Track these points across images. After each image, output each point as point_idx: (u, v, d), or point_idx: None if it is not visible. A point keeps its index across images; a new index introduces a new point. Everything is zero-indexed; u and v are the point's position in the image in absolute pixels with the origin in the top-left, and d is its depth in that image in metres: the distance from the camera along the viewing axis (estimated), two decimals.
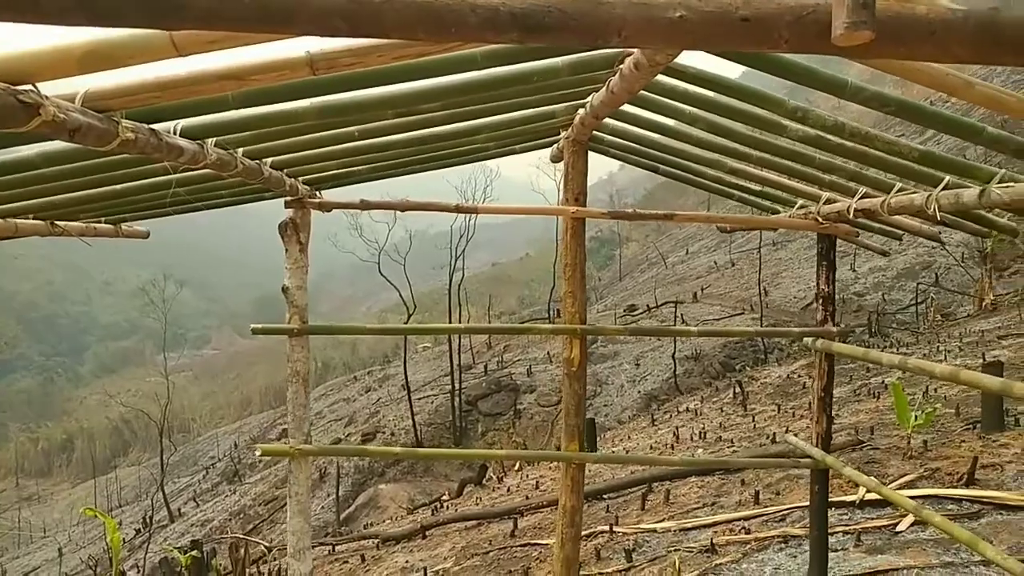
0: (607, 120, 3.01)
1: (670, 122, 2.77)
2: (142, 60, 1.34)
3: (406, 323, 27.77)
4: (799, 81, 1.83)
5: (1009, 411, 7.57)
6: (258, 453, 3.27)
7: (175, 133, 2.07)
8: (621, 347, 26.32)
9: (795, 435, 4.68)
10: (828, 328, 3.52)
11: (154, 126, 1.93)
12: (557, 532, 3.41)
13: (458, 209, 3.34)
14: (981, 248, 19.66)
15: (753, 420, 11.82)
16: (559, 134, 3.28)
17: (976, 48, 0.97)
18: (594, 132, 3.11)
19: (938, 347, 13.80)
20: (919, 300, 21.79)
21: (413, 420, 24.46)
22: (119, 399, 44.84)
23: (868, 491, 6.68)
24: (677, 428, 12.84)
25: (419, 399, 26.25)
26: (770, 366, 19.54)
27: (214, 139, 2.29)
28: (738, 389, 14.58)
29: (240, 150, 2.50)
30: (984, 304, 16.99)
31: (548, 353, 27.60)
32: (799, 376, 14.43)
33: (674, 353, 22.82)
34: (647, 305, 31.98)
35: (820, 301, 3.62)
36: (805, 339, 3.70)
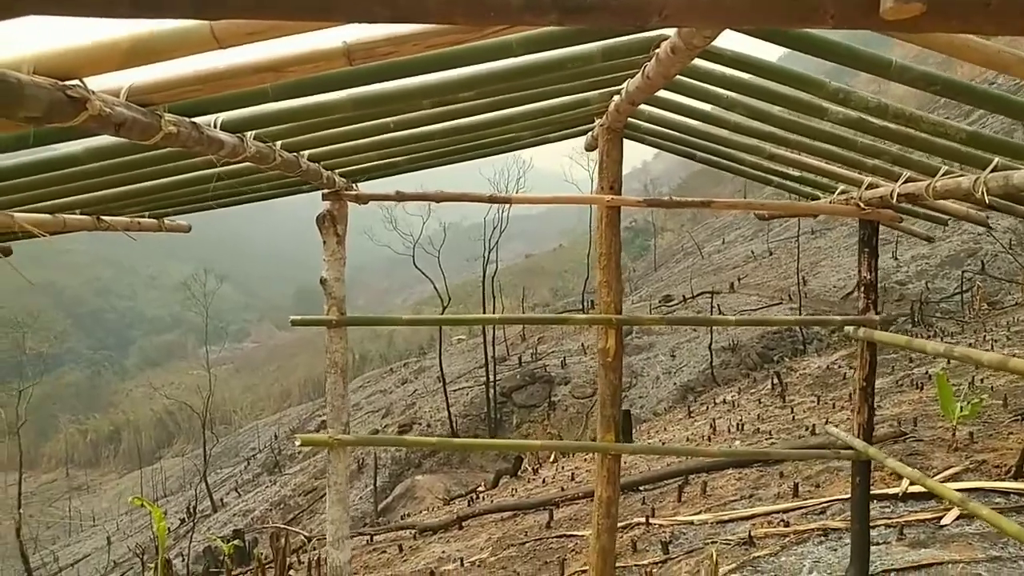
0: (642, 107, 2.98)
1: (707, 107, 2.73)
2: (184, 53, 1.37)
3: (441, 315, 27.98)
4: (841, 62, 1.78)
5: None
6: (298, 443, 3.33)
7: (215, 126, 2.11)
8: (656, 338, 26.12)
9: (836, 427, 4.59)
10: (870, 316, 3.44)
11: (195, 120, 1.97)
12: (593, 523, 3.40)
13: (492, 199, 3.34)
14: None
15: (792, 412, 11.64)
16: (593, 122, 3.26)
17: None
18: (629, 119, 3.08)
19: (984, 336, 13.42)
20: (964, 288, 21.20)
21: (449, 412, 24.66)
22: (163, 392, 45.99)
23: (911, 484, 6.55)
24: (714, 420, 12.72)
25: (454, 391, 26.42)
26: (809, 357, 19.23)
27: (253, 132, 2.32)
28: (776, 380, 14.37)
29: (279, 143, 2.53)
30: None
31: (582, 345, 27.55)
32: (839, 367, 14.17)
33: (710, 344, 22.58)
34: (683, 296, 31.65)
35: (862, 289, 3.53)
36: (846, 328, 3.62)
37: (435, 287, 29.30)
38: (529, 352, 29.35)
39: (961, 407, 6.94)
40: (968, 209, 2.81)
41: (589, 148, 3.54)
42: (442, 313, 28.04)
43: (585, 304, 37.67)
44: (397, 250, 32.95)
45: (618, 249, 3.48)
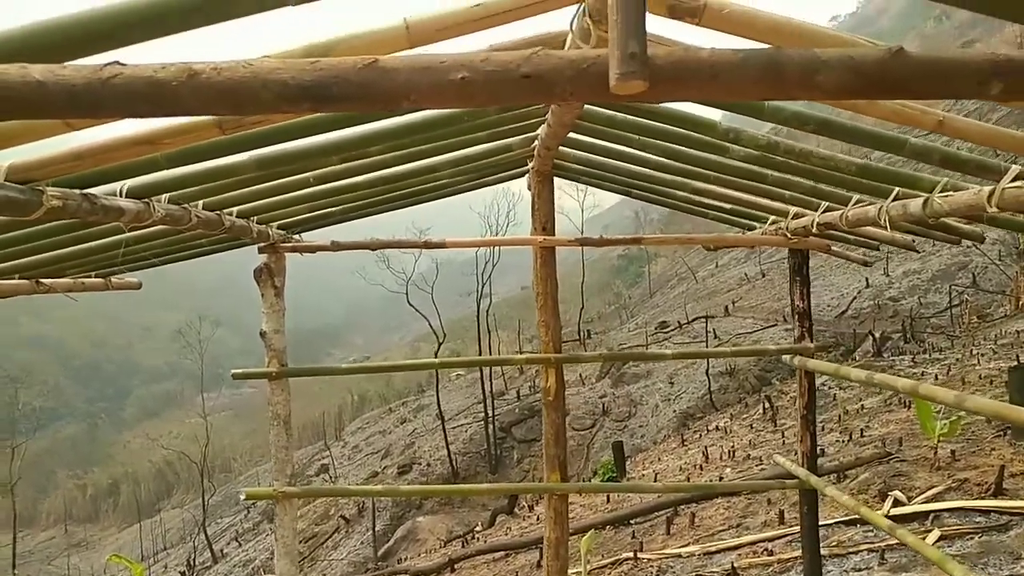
0: (569, 148, 3.02)
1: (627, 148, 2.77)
2: (36, 139, 1.41)
3: (436, 352, 27.91)
4: (717, 106, 1.83)
5: None
6: (243, 497, 3.31)
7: (122, 194, 2.14)
8: (654, 365, 26.01)
9: (785, 454, 4.57)
10: (805, 345, 3.45)
11: (95, 189, 2.00)
12: (544, 565, 3.37)
13: (426, 245, 3.38)
14: (1017, 245, 19.07)
15: (783, 436, 11.57)
16: (527, 164, 3.31)
17: (758, 86, 0.97)
18: (558, 160, 3.13)
19: (972, 350, 13.39)
20: (954, 303, 21.18)
21: (448, 450, 24.44)
22: (161, 442, 45.62)
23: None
24: (707, 448, 12.63)
25: (453, 428, 26.24)
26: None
27: (167, 195, 2.36)
28: (767, 404, 14.29)
29: (200, 203, 2.57)
30: (1021, 303, 16.47)
31: (580, 375, 27.43)
32: (828, 388, 14.10)
33: (707, 369, 22.49)
34: (678, 321, 31.61)
35: (796, 317, 3.55)
36: (783, 357, 3.64)
37: (430, 324, 29.26)
38: (527, 385, 29.23)
39: (941, 425, 6.90)
40: (893, 234, 2.85)
41: (530, 188, 3.59)
42: (437, 351, 27.99)
43: (581, 334, 37.60)
44: (391, 288, 33.00)
45: (554, 289, 3.50)
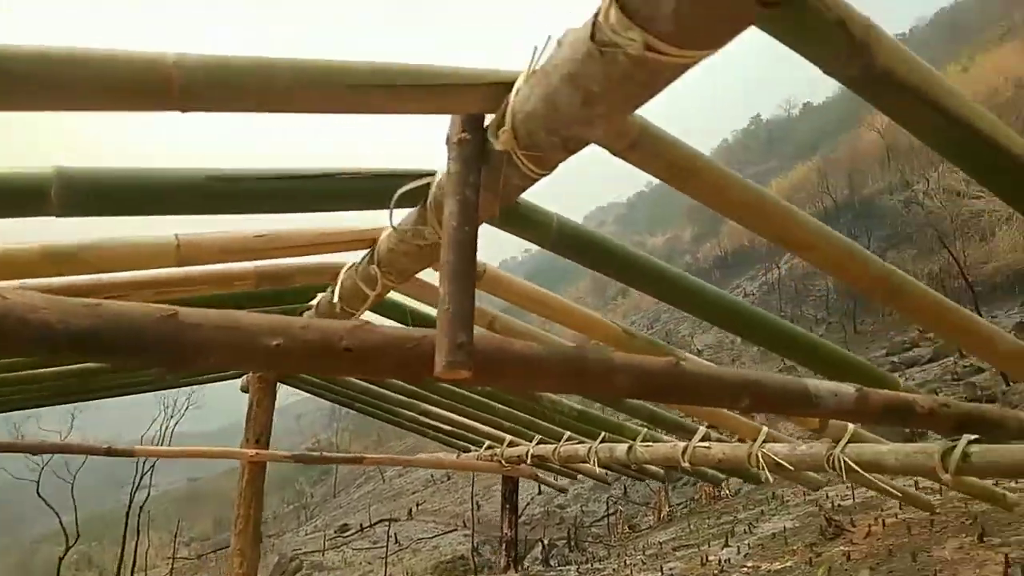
0: None
1: None
2: None
3: (63, 555, 22.74)
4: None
5: None
6: None
7: None
8: (329, 573, 24.07)
9: None
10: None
11: None
12: None
13: (109, 452, 2.87)
14: None
15: None
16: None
17: (563, 380, 1.09)
18: None
19: (626, 560, 14.74)
20: (610, 512, 23.51)
21: None
22: None
23: None
24: None
25: None
26: None
27: None
28: None
29: None
30: (662, 515, 18.86)
31: None
32: None
33: None
34: (360, 524, 30.24)
35: (504, 546, 3.66)
36: None
37: (60, 521, 24.06)
38: None
39: None
40: (592, 467, 3.17)
41: (244, 390, 3.32)
42: (64, 554, 22.92)
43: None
44: (16, 475, 26.88)
45: (258, 510, 3.17)
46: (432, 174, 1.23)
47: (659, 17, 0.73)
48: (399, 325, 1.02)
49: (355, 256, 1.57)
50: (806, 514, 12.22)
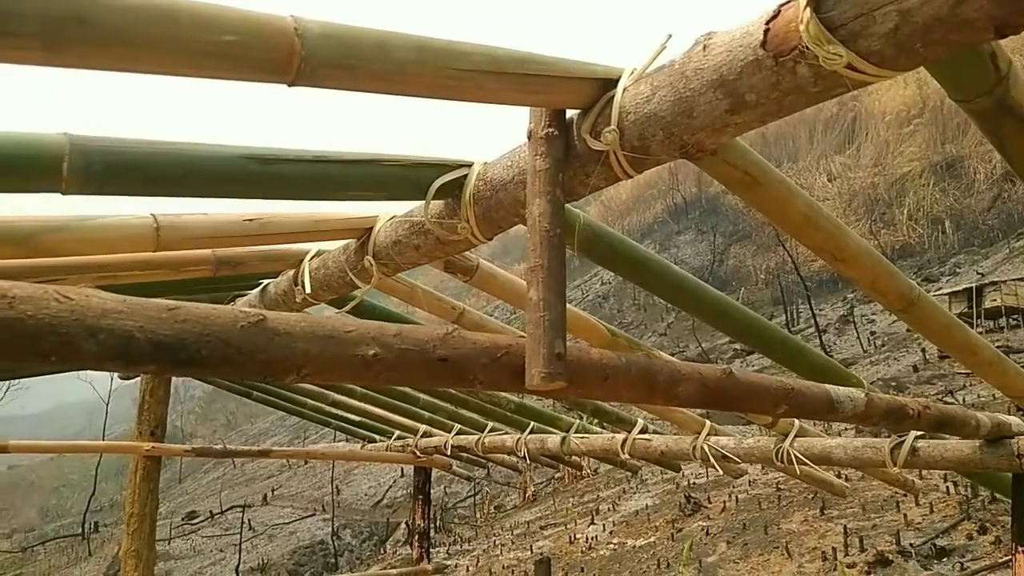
0: None
1: None
2: None
3: None
4: None
5: None
6: None
7: None
8: (176, 563, 22.69)
9: None
10: (424, 567, 3.47)
11: None
12: None
13: None
14: None
15: None
16: None
17: (636, 390, 1.06)
18: None
19: (495, 540, 15.01)
20: (475, 492, 23.79)
21: None
22: None
23: None
24: None
25: None
26: (342, 571, 18.86)
27: None
28: None
29: None
30: (527, 495, 19.34)
31: None
32: None
33: (238, 566, 20.52)
34: (210, 511, 28.68)
35: (416, 537, 3.58)
36: None
37: None
38: None
39: None
40: (505, 457, 3.16)
41: (125, 378, 2.99)
42: None
43: (86, 527, 31.16)
44: None
45: (154, 508, 2.88)
46: (469, 165, 1.14)
47: (869, 35, 0.69)
48: (400, 325, 0.93)
49: (321, 246, 1.43)
50: (665, 492, 12.99)
